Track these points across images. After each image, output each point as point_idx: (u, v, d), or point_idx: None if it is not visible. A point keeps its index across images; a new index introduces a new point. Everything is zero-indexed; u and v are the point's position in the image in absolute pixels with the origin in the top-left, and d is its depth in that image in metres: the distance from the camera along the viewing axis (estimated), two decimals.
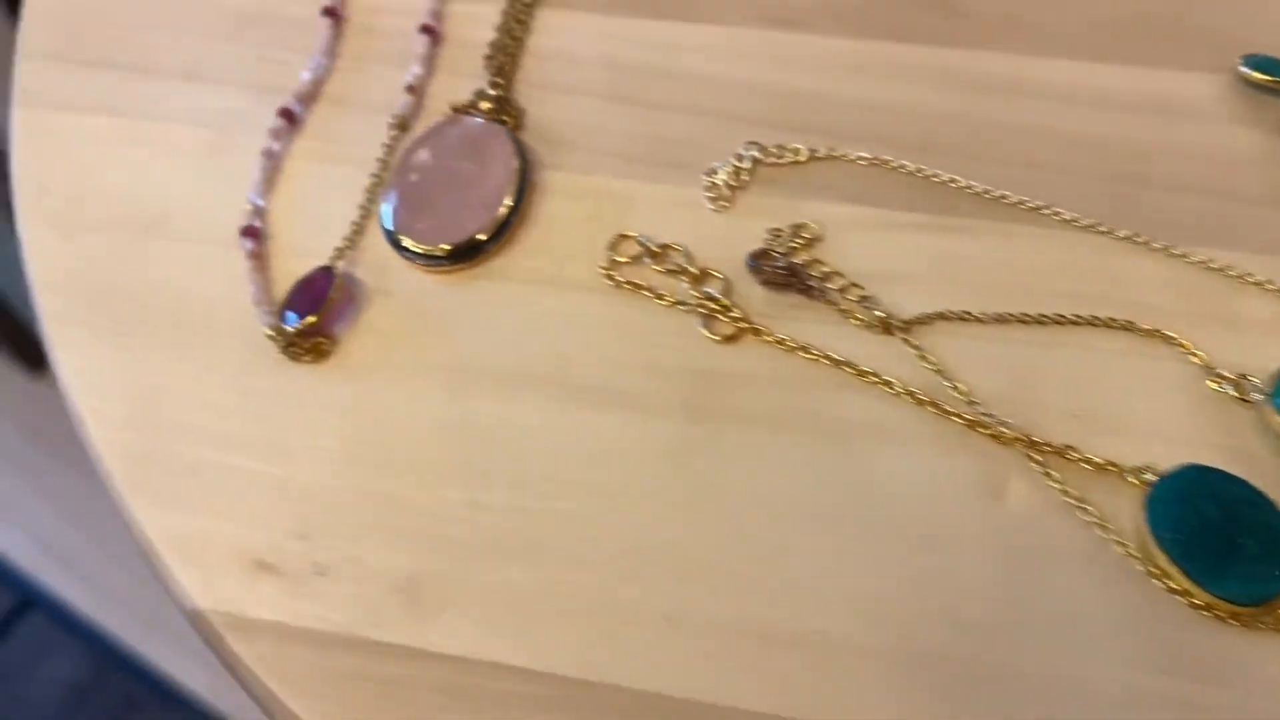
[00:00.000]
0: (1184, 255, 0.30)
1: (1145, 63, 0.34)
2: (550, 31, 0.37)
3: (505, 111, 0.34)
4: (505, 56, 0.36)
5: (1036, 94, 0.34)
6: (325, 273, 0.31)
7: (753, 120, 0.34)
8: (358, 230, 0.33)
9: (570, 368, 0.30)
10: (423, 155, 0.33)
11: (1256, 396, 0.28)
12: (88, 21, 0.38)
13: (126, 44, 0.37)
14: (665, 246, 0.32)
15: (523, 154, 0.33)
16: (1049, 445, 0.28)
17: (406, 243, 0.32)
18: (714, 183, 0.33)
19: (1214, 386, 0.28)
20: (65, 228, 0.34)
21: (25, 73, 0.37)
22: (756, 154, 0.33)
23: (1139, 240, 0.31)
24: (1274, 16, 0.35)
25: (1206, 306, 0.30)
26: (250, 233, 0.32)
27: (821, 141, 0.33)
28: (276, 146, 0.34)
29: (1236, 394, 0.28)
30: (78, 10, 0.38)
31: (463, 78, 0.36)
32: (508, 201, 0.32)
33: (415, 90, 0.35)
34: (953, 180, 0.32)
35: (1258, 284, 0.30)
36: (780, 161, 0.33)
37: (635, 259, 0.32)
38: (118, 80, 0.37)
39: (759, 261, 0.31)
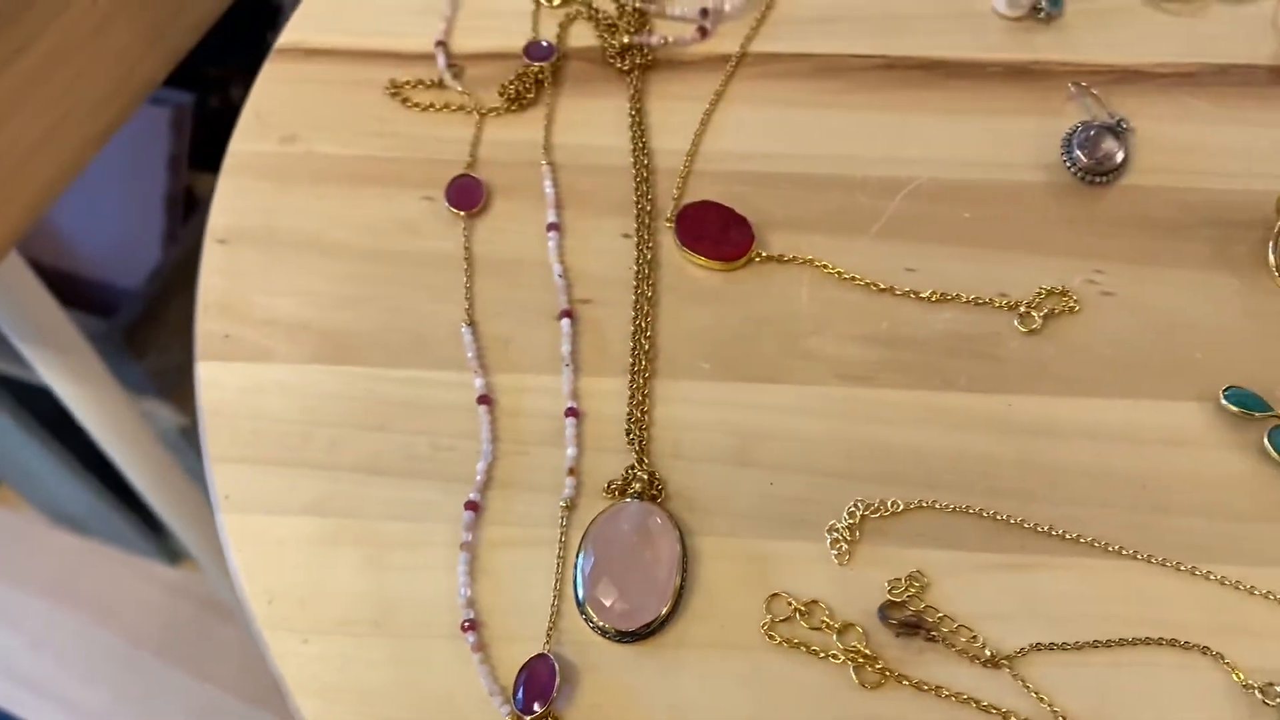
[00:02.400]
0: (1204, 574, 0.40)
1: (1148, 396, 0.44)
2: (669, 401, 0.44)
3: (653, 486, 0.42)
4: (639, 431, 0.44)
5: (1068, 433, 0.43)
6: (544, 660, 0.39)
7: (850, 475, 0.42)
8: (556, 612, 0.40)
9: None
10: (600, 544, 0.40)
11: (1278, 700, 0.37)
12: (261, 423, 0.44)
13: (307, 441, 0.44)
14: (811, 603, 0.40)
15: (680, 531, 0.41)
16: None
17: (603, 625, 0.39)
18: (836, 538, 0.41)
19: (1246, 692, 0.38)
20: (301, 632, 0.40)
21: (220, 478, 0.43)
22: (863, 510, 0.42)
23: (1167, 564, 0.40)
24: (1244, 348, 0.44)
25: (1226, 619, 0.39)
26: (471, 626, 0.40)
27: (908, 491, 0.42)
28: (470, 537, 0.41)
29: (1264, 699, 0.37)
30: (250, 414, 0.45)
31: (609, 453, 0.43)
32: (677, 580, 0.40)
33: (574, 471, 0.43)
34: (1020, 521, 0.41)
35: (1262, 595, 0.39)
36: (882, 515, 0.42)
37: (788, 619, 0.40)
38: (311, 479, 0.43)
39: (888, 613, 0.39)
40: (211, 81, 1.18)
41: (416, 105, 0.53)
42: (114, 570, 1.34)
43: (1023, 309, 0.46)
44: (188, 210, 1.15)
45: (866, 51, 0.53)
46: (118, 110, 0.69)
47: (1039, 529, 0.41)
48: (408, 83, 0.53)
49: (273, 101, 0.53)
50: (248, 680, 1.22)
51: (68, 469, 1.20)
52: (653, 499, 0.42)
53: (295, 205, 0.50)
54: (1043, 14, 0.53)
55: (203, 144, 1.12)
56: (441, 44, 0.54)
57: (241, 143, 0.52)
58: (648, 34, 0.54)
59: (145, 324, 1.10)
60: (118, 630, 1.29)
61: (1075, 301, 0.46)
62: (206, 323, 0.47)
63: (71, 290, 1.19)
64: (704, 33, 0.54)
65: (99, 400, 0.89)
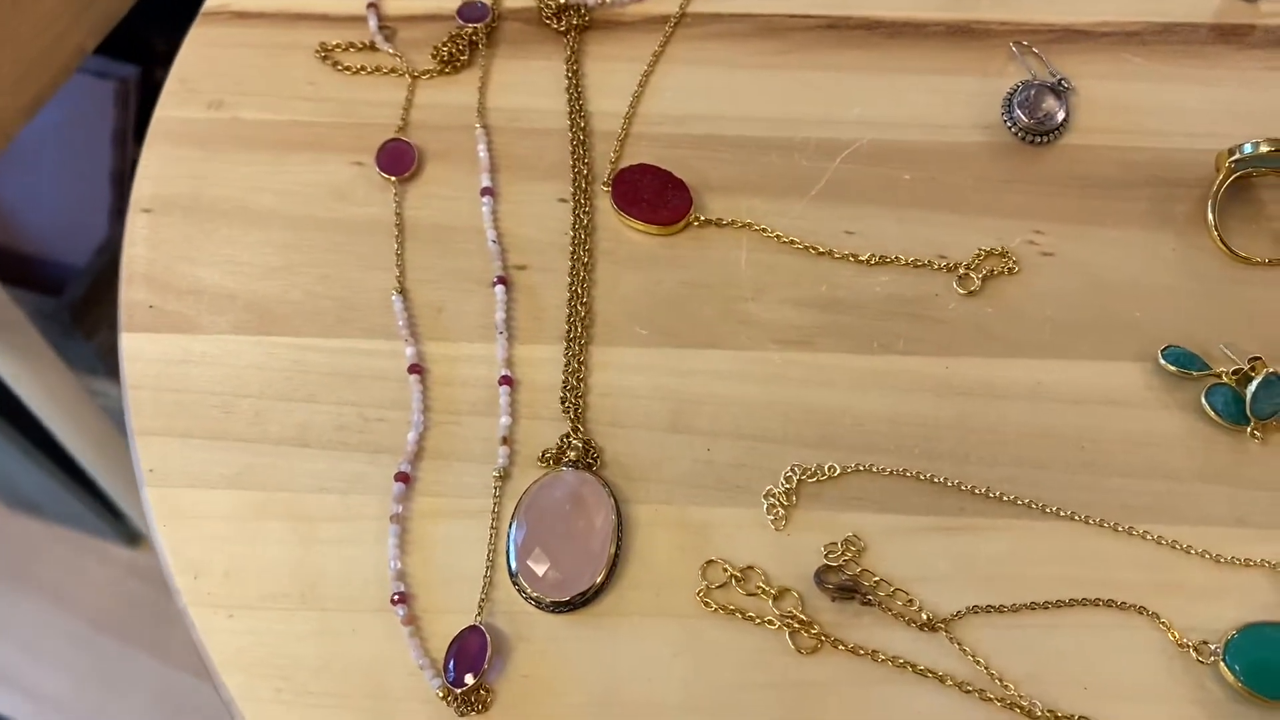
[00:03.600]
0: (1141, 534, 0.40)
1: (1086, 357, 0.43)
2: (605, 368, 0.44)
3: (589, 454, 0.41)
4: (575, 399, 0.43)
5: (1007, 394, 0.43)
6: (475, 631, 0.38)
7: (787, 440, 0.42)
8: (489, 583, 0.39)
9: (696, 692, 0.37)
10: (533, 514, 0.40)
11: (1213, 658, 0.37)
12: (186, 395, 0.43)
13: (231, 414, 0.43)
14: (747, 569, 0.39)
15: (615, 500, 0.40)
16: (1070, 717, 0.36)
17: (536, 595, 0.38)
18: (772, 504, 0.41)
19: (1182, 650, 0.38)
20: (227, 607, 0.39)
21: (145, 452, 0.42)
22: (799, 475, 0.41)
23: (1104, 524, 0.40)
24: (1183, 308, 0.44)
25: (1163, 578, 0.39)
26: (401, 599, 0.39)
27: (846, 455, 0.42)
28: (400, 509, 0.41)
29: (1198, 657, 0.37)
30: (175, 386, 0.43)
31: (544, 421, 0.43)
32: (611, 549, 0.39)
33: (508, 440, 0.42)
34: (957, 484, 0.41)
35: (1199, 554, 0.39)
36: (819, 479, 0.41)
37: (723, 585, 0.39)
38: (237, 452, 0.42)
39: (824, 578, 0.39)
40: (158, 54, 1.15)
41: (347, 69, 0.51)
42: (72, 553, 1.32)
43: (962, 271, 0.45)
44: None
45: (807, 11, 0.53)
46: (45, 82, 0.67)
47: (976, 491, 0.41)
48: (338, 45, 0.52)
49: (199, 67, 0.52)
50: None
51: (21, 452, 1.18)
52: (588, 467, 0.41)
53: (222, 172, 0.49)
54: None
55: (149, 118, 1.09)
56: (373, 5, 0.53)
57: (167, 109, 0.51)
58: None
59: (93, 301, 1.08)
60: (78, 614, 1.28)
61: (1015, 262, 0.45)
62: (130, 293, 0.46)
63: (18, 268, 1.16)
64: None
65: (44, 380, 0.87)
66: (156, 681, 1.22)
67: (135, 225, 0.47)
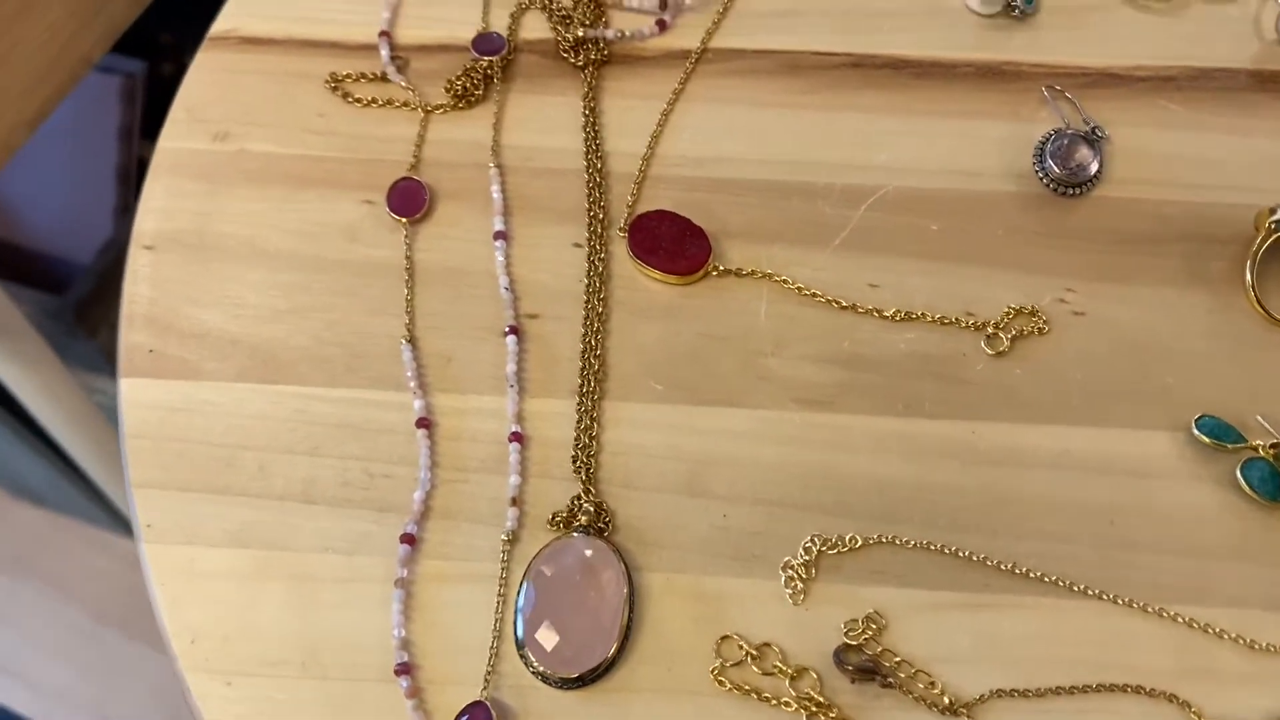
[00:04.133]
0: (1171, 616, 0.38)
1: (1117, 424, 0.42)
2: (619, 424, 0.42)
3: (600, 518, 0.40)
4: (587, 458, 0.41)
5: (1034, 463, 0.41)
6: (481, 707, 0.37)
7: (807, 506, 0.40)
8: (495, 654, 0.38)
9: None
10: (542, 583, 0.38)
11: None
12: (187, 446, 0.42)
13: (234, 466, 0.41)
14: (763, 646, 0.38)
15: (628, 568, 0.39)
16: None
17: (544, 670, 0.37)
18: (790, 576, 0.39)
19: None
20: (225, 673, 0.38)
21: (143, 505, 0.41)
22: (819, 546, 0.40)
23: (1134, 604, 0.39)
24: (1218, 374, 0.43)
25: (1194, 663, 0.38)
26: (405, 670, 0.37)
27: (868, 525, 0.40)
28: (405, 573, 0.39)
29: None
30: (176, 435, 0.42)
31: (554, 480, 0.41)
32: (623, 620, 0.38)
33: (517, 501, 0.41)
34: (982, 558, 0.39)
35: (1232, 639, 0.38)
36: (839, 550, 0.40)
37: (739, 663, 0.38)
38: (238, 507, 0.41)
39: (844, 658, 0.37)
40: (164, 48, 1.13)
41: (358, 101, 0.50)
42: (75, 543, 1.32)
43: (990, 329, 0.44)
44: (140, 182, 1.11)
45: (832, 49, 0.51)
46: (51, 92, 0.65)
47: (1002, 566, 0.39)
48: (349, 76, 0.50)
49: (205, 95, 0.50)
50: None
51: (24, 443, 1.17)
52: (599, 532, 0.40)
53: (227, 209, 0.47)
54: (1017, 11, 0.51)
55: (155, 113, 1.07)
56: (385, 34, 0.51)
57: (171, 140, 0.49)
58: (604, 27, 0.51)
59: (97, 299, 1.06)
60: (80, 605, 1.27)
61: (1045, 322, 0.44)
62: (131, 335, 0.45)
63: (21, 265, 1.15)
64: (663, 26, 0.51)
65: (43, 381, 0.86)
66: (159, 673, 1.21)
67: (137, 263, 0.46)
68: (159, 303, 0.45)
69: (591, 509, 0.40)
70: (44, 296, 1.06)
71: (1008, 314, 0.44)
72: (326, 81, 0.50)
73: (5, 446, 1.21)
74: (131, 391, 0.43)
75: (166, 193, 0.48)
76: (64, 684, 1.22)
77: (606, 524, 0.40)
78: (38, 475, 1.25)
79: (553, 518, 0.40)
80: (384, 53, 0.51)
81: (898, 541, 0.40)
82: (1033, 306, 0.44)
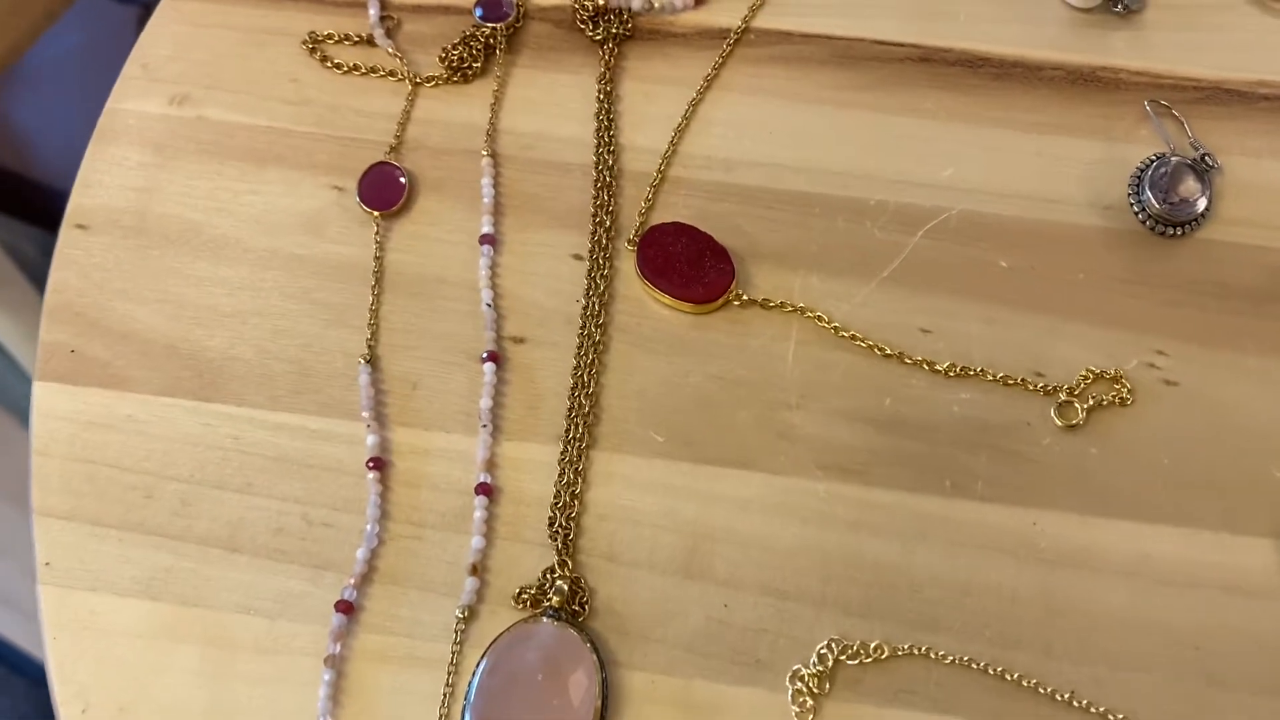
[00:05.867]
0: None
1: (1209, 526, 0.35)
2: (609, 480, 0.36)
3: (575, 599, 0.33)
4: (567, 520, 0.35)
5: (1105, 567, 0.34)
6: None
7: (825, 602, 0.34)
8: None
9: None
10: (499, 677, 0.32)
11: None
12: (102, 470, 0.36)
13: (153, 499, 0.35)
14: None
15: (603, 663, 0.32)
16: None
17: None
18: (799, 690, 0.32)
19: None
20: None
21: (43, 538, 0.35)
22: (837, 653, 0.33)
23: None
24: None
25: None
26: None
27: (898, 631, 0.33)
28: (337, 649, 0.33)
29: None
30: (90, 456, 0.36)
31: (526, 545, 0.35)
32: None
33: (478, 569, 0.34)
34: (1034, 684, 0.32)
35: None
36: (862, 660, 0.33)
37: None
38: (152, 549, 0.34)
39: None
40: None
41: (338, 66, 0.43)
42: None
43: (1063, 396, 0.36)
44: None
45: (897, 38, 0.43)
46: (9, 45, 0.59)
47: (1058, 696, 0.32)
48: (330, 36, 0.43)
49: (164, 50, 0.43)
50: None
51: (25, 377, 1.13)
52: (573, 616, 0.33)
53: (174, 186, 0.41)
54: (1120, 6, 0.43)
55: None
56: None
57: (121, 100, 0.43)
58: None
59: None
60: None
61: (1129, 391, 0.36)
62: (50, 330, 0.38)
63: (27, 196, 1.10)
64: None
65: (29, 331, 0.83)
66: None
67: (67, 244, 0.39)
68: (86, 294, 0.39)
69: (566, 587, 0.33)
70: (47, 236, 1.01)
71: (1085, 378, 0.36)
72: (304, 42, 0.43)
73: (7, 374, 1.17)
74: (45, 398, 0.37)
75: (108, 163, 0.41)
76: None
77: (583, 605, 0.33)
78: None
79: (519, 594, 0.34)
80: (373, 11, 0.44)
81: (933, 655, 0.33)
82: (1116, 370, 0.37)
